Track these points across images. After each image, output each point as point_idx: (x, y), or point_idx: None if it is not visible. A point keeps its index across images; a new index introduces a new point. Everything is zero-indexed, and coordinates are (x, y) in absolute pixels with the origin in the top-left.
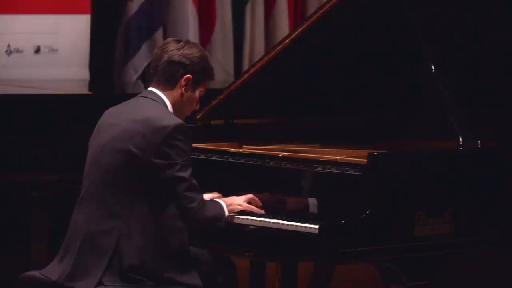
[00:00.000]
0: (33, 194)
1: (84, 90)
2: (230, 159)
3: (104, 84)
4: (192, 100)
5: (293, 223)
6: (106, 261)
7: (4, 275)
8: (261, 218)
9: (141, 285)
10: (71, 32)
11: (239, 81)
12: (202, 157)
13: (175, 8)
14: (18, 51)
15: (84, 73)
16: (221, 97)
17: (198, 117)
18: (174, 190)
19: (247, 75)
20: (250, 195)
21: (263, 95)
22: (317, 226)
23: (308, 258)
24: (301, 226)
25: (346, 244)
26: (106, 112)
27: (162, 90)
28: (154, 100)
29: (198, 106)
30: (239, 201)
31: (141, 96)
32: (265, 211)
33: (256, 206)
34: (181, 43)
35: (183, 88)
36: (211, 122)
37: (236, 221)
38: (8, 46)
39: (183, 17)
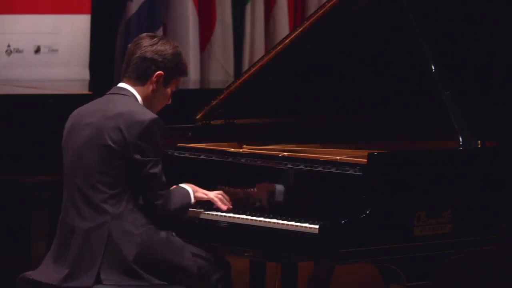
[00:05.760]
0: (33, 194)
1: (84, 90)
2: (230, 159)
3: (104, 84)
4: (164, 96)
5: (293, 223)
6: (100, 256)
7: (4, 275)
8: (261, 218)
9: (140, 281)
10: (71, 32)
11: (239, 81)
12: (202, 157)
13: (175, 8)
14: (18, 51)
15: (84, 73)
16: (221, 97)
17: (198, 117)
18: (145, 186)
19: (247, 75)
20: (220, 192)
21: (263, 95)
22: (317, 226)
23: (308, 258)
24: (301, 226)
25: (346, 244)
26: (75, 112)
27: (133, 86)
28: (125, 95)
29: (170, 101)
30: (205, 191)
31: (112, 94)
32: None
33: (224, 201)
34: (155, 39)
35: (154, 84)
36: (211, 122)
37: (235, 221)
38: (8, 46)
39: (183, 17)
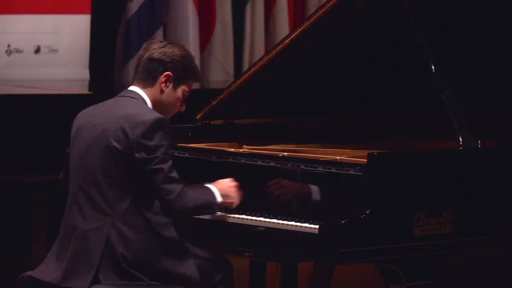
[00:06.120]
0: (33, 194)
1: (84, 90)
2: (230, 159)
3: (104, 84)
4: (174, 99)
5: (293, 223)
6: (99, 258)
7: (4, 275)
8: (261, 218)
9: (138, 281)
10: (71, 32)
11: (239, 81)
12: (202, 157)
13: (175, 8)
14: (18, 51)
15: (84, 73)
16: (221, 97)
17: (198, 117)
18: (153, 183)
19: (247, 75)
20: (237, 184)
21: (263, 95)
22: (317, 226)
23: (308, 258)
24: (301, 226)
25: (346, 244)
26: (82, 113)
27: (143, 88)
28: (132, 97)
29: (183, 108)
30: (234, 195)
31: (120, 96)
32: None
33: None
34: (164, 43)
35: (162, 85)
36: (211, 122)
37: (235, 221)
38: (8, 46)
39: (183, 17)
